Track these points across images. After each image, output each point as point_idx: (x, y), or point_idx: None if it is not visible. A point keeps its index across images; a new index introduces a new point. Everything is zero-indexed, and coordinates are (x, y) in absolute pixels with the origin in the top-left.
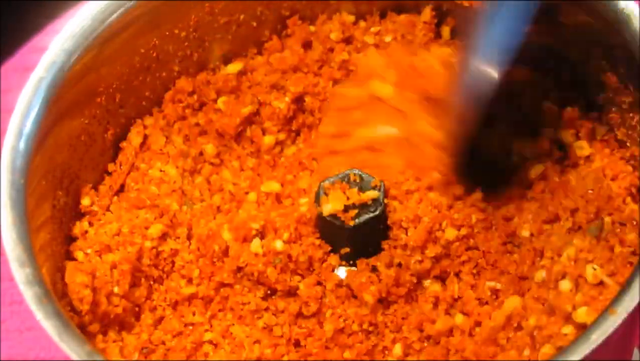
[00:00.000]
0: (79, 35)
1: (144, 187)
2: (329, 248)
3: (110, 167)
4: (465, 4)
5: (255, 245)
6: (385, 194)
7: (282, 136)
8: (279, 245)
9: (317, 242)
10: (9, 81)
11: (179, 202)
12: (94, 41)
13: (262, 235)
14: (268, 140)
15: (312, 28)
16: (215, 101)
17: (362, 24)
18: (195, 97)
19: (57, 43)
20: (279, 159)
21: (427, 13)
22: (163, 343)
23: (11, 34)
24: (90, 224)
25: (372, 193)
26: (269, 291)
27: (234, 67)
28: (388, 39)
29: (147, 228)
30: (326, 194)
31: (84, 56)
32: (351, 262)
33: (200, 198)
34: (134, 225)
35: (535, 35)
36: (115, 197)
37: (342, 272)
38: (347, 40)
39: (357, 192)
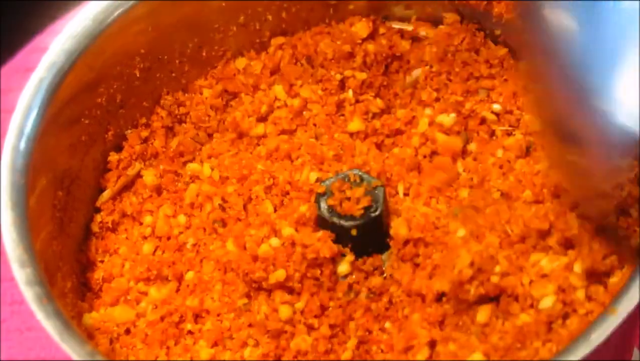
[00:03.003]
0: (79, 36)
1: (145, 193)
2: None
3: (111, 167)
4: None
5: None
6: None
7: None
8: (274, 242)
9: (318, 244)
10: (10, 81)
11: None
12: (94, 41)
13: (263, 238)
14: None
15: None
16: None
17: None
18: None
19: (58, 43)
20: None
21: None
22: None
23: (12, 34)
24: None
25: (372, 194)
26: (269, 292)
27: (237, 65)
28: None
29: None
30: (326, 194)
31: (84, 56)
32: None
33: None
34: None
35: None
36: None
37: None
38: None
39: (358, 192)
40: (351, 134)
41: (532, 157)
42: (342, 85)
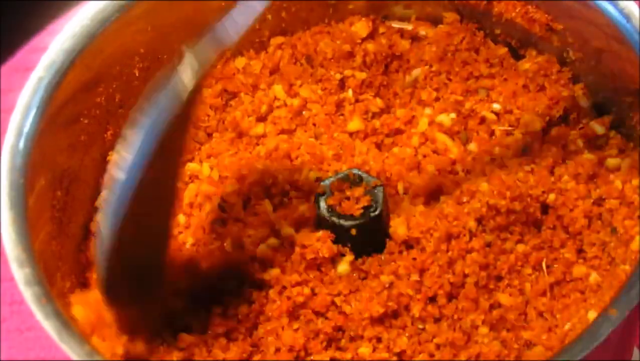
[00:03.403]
0: (78, 35)
1: None
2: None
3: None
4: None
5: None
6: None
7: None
8: (273, 242)
9: (317, 244)
10: (10, 81)
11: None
12: (93, 41)
13: (261, 238)
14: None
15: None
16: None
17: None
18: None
19: (57, 43)
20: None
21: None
22: None
23: (12, 34)
24: None
25: (371, 193)
26: (268, 292)
27: (236, 64)
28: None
29: None
30: (325, 194)
31: (83, 56)
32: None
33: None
34: None
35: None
36: None
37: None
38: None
39: (357, 191)
40: (351, 134)
41: (527, 157)
42: (342, 85)
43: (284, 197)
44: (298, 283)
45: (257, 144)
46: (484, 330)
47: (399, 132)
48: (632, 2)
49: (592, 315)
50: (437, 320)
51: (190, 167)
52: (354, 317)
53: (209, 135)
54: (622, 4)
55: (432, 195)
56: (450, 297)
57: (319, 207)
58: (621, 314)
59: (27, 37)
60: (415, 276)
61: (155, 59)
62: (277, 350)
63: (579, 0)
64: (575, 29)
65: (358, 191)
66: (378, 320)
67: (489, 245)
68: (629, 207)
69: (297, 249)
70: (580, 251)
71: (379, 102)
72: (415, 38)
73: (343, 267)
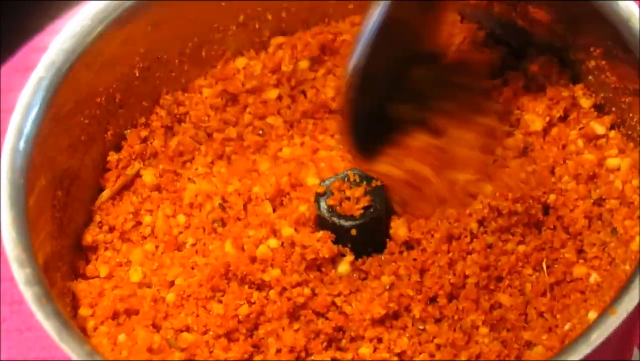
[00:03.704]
0: (78, 35)
1: (145, 193)
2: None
3: (110, 167)
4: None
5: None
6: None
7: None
8: (273, 243)
9: (317, 244)
10: (10, 81)
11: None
12: (93, 41)
13: (261, 239)
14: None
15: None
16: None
17: None
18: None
19: (57, 43)
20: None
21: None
22: None
23: (12, 34)
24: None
25: (372, 193)
26: (269, 293)
27: (237, 65)
28: None
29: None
30: (326, 194)
31: (84, 56)
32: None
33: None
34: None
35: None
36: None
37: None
38: None
39: (357, 191)
40: None
41: (528, 158)
42: None
43: (284, 197)
44: (298, 284)
45: None
46: (484, 330)
47: None
48: (632, 2)
49: (592, 315)
50: (437, 321)
51: (190, 166)
52: (355, 317)
53: (209, 136)
54: (622, 4)
55: None
56: (451, 298)
57: (319, 207)
58: (621, 314)
59: (27, 37)
60: (415, 277)
61: (155, 59)
62: (278, 350)
63: (579, 0)
64: (575, 29)
65: (358, 191)
66: (379, 321)
67: (490, 246)
68: (629, 207)
69: (297, 249)
70: (580, 251)
71: None
72: None
73: (343, 267)
